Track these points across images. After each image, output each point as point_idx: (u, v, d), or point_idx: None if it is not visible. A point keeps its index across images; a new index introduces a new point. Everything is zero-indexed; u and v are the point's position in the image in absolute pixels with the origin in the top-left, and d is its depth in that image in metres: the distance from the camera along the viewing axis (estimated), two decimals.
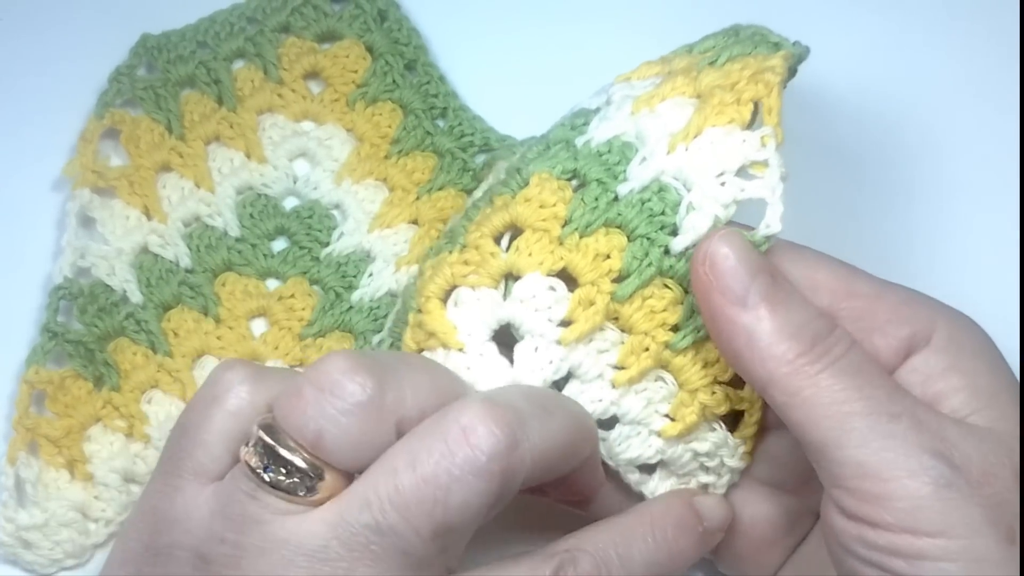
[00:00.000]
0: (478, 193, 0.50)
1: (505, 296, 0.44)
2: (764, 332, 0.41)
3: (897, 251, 0.56)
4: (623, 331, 0.44)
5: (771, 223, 0.43)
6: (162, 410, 0.53)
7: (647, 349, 0.44)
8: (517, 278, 0.44)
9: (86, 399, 0.52)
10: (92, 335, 0.53)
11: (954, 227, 0.57)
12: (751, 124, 0.44)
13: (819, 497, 0.46)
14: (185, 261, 0.55)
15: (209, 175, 0.56)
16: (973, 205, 0.57)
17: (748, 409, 0.45)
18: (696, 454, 0.45)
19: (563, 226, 0.44)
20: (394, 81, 0.58)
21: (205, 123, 0.57)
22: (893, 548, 0.40)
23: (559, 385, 0.44)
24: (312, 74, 0.58)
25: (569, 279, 0.44)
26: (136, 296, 0.54)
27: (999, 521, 0.40)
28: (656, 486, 0.46)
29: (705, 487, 0.46)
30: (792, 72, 0.45)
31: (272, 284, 0.55)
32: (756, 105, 0.44)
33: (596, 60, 0.58)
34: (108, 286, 0.54)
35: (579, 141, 0.46)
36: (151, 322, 0.53)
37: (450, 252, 0.46)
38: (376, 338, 0.53)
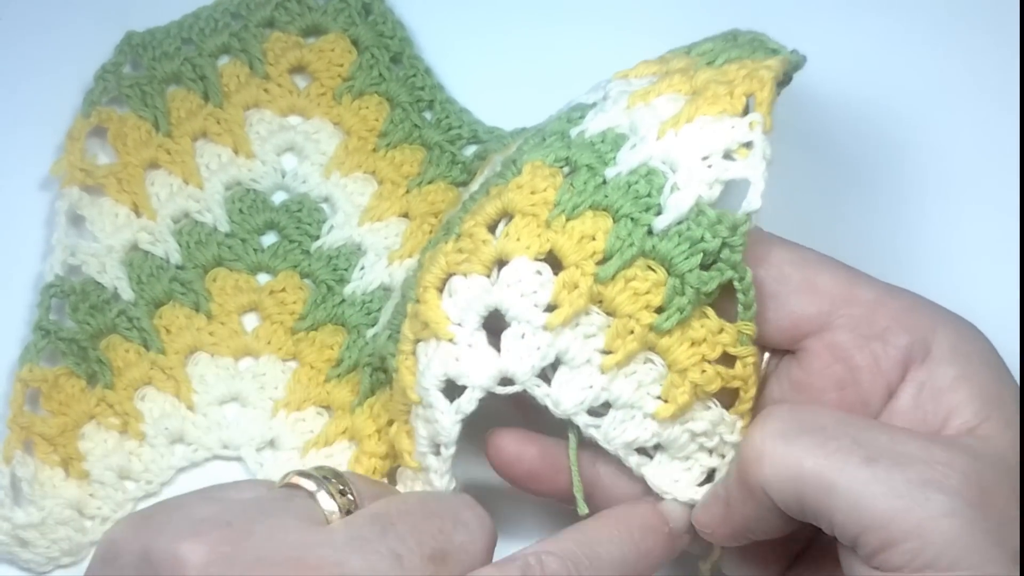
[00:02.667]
0: (474, 186, 0.51)
1: (494, 282, 0.44)
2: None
3: (897, 251, 0.56)
4: (608, 315, 0.44)
5: (752, 200, 0.43)
6: (156, 407, 0.53)
7: (632, 332, 0.44)
8: (506, 263, 0.44)
9: (80, 397, 0.52)
10: (84, 333, 0.53)
11: (954, 227, 0.57)
12: (742, 116, 0.44)
13: None
14: (175, 257, 0.55)
15: (197, 171, 0.56)
16: (973, 205, 0.57)
17: (742, 386, 0.45)
18: (693, 434, 0.45)
19: (551, 210, 0.44)
20: (380, 74, 0.58)
21: (192, 119, 0.57)
22: None
23: (548, 372, 0.44)
24: (298, 68, 0.58)
25: (556, 263, 0.44)
26: (127, 293, 0.54)
27: (1004, 541, 0.39)
28: (656, 470, 0.46)
29: (712, 472, 0.46)
30: (787, 79, 0.45)
31: (263, 279, 0.55)
32: (749, 101, 0.44)
33: (580, 52, 0.59)
34: (99, 284, 0.54)
35: (573, 132, 0.46)
36: (143, 319, 0.54)
37: (446, 242, 0.46)
38: (370, 331, 0.53)
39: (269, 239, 0.56)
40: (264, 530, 0.39)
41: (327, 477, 0.42)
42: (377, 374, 0.51)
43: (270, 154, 0.57)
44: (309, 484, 0.42)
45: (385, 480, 0.50)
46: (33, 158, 0.56)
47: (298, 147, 0.57)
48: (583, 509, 0.46)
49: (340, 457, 0.51)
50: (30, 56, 0.59)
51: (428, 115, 0.58)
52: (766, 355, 0.46)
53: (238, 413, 0.53)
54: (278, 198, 0.57)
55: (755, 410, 0.46)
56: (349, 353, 0.53)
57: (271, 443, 0.53)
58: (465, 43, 0.60)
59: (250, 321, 0.55)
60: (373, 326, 0.53)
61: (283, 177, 0.57)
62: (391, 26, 0.59)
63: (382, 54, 0.58)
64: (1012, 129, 0.58)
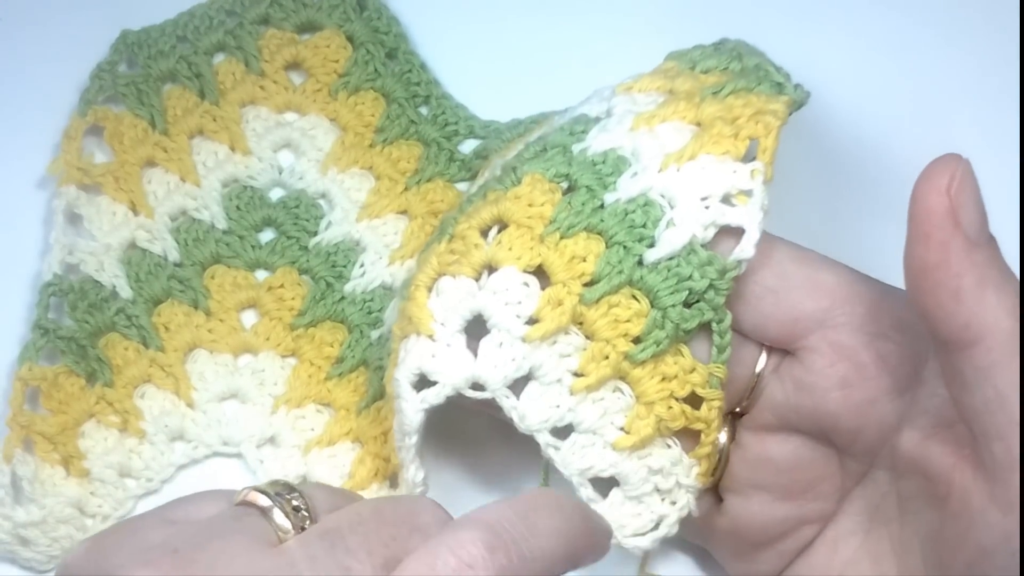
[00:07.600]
0: (473, 188, 0.51)
1: (482, 286, 0.45)
2: (995, 276, 0.40)
3: (898, 254, 0.56)
4: (587, 337, 0.45)
5: (745, 249, 0.44)
6: (155, 405, 0.53)
7: (607, 357, 0.44)
8: (495, 270, 0.45)
9: (79, 395, 0.52)
10: (83, 331, 0.53)
11: None
12: (744, 159, 0.44)
13: (821, 505, 0.46)
14: (173, 255, 0.55)
15: (194, 169, 0.56)
16: None
17: (704, 430, 0.45)
18: (650, 470, 0.45)
19: (546, 225, 0.45)
20: (375, 70, 0.58)
21: (188, 117, 0.57)
22: None
23: (519, 385, 0.44)
24: (293, 65, 0.58)
25: (544, 278, 0.45)
26: (126, 291, 0.54)
27: None
28: (607, 511, 0.45)
29: (660, 519, 0.46)
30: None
31: (261, 275, 0.55)
32: (752, 144, 0.44)
33: (576, 47, 0.59)
34: (97, 282, 0.54)
35: (576, 148, 0.47)
36: (142, 317, 0.54)
37: (439, 243, 0.46)
38: (375, 333, 0.53)
39: (267, 236, 0.56)
40: (209, 557, 0.38)
41: (280, 493, 0.41)
42: None
43: (267, 151, 0.57)
44: (263, 500, 0.41)
45: (388, 483, 0.51)
46: (30, 157, 0.56)
47: (294, 143, 0.57)
48: None
49: (343, 458, 0.52)
50: (25, 55, 0.58)
51: (424, 110, 0.58)
52: (763, 356, 0.46)
53: (238, 410, 0.53)
54: (275, 195, 0.57)
55: (759, 439, 0.46)
56: (351, 352, 0.53)
57: (271, 440, 0.53)
58: (460, 38, 0.60)
59: (249, 318, 0.55)
60: (374, 325, 0.54)
61: (280, 174, 0.57)
62: (386, 22, 0.59)
63: (377, 50, 0.58)
64: (1012, 130, 0.58)
